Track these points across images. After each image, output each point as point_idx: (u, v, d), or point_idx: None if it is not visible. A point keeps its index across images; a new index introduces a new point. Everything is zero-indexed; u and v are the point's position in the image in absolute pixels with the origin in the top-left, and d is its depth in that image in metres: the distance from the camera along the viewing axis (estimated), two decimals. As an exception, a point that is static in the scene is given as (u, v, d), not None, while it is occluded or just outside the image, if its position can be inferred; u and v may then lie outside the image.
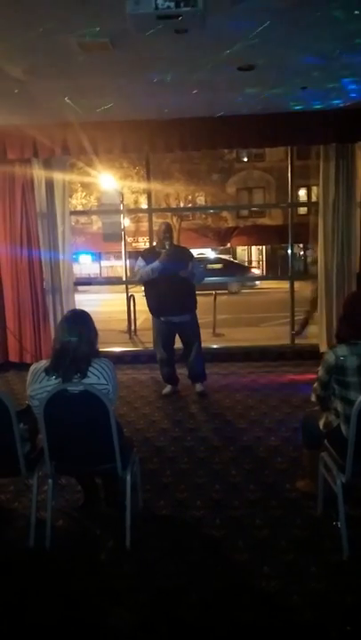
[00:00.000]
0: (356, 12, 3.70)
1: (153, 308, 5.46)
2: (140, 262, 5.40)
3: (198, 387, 5.65)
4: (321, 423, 3.04)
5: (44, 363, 2.83)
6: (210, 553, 2.81)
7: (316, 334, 7.12)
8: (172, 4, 2.36)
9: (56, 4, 3.44)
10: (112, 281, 22.78)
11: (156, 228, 6.29)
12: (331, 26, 3.89)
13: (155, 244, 5.42)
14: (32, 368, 2.86)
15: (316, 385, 2.98)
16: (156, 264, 5.18)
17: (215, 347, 7.57)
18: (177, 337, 5.57)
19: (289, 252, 8.21)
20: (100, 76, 4.78)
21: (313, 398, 3.05)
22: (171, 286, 5.16)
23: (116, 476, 2.93)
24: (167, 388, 5.72)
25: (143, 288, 5.60)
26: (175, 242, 5.66)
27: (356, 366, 2.75)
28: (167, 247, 5.23)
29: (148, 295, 5.50)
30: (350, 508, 2.88)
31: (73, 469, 3.11)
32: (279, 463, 3.87)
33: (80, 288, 12.87)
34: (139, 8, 2.41)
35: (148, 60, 4.39)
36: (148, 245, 7.72)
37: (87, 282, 20.53)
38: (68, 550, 2.89)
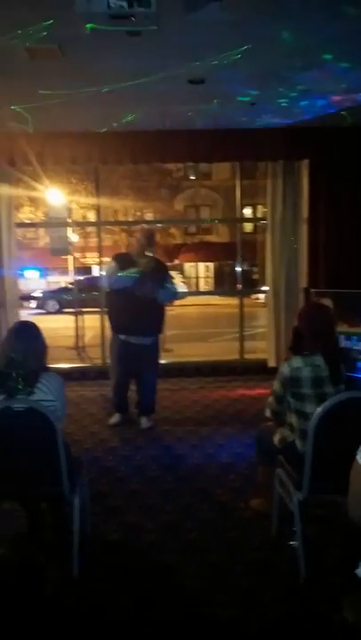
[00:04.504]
0: (303, 31, 3.76)
1: (115, 323, 4.92)
2: (113, 267, 4.79)
3: (145, 422, 5.01)
4: (276, 439, 2.97)
5: None
6: (163, 581, 2.65)
7: (265, 349, 7.14)
8: (125, 4, 2.28)
9: (2, 4, 3.30)
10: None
11: (107, 242, 6.05)
12: (279, 43, 3.93)
13: (132, 250, 4.90)
14: None
15: (270, 399, 2.92)
16: (134, 271, 4.63)
17: (165, 362, 7.45)
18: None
19: (237, 268, 8.23)
20: (49, 84, 4.65)
21: (267, 413, 2.98)
22: (140, 301, 4.61)
23: (63, 499, 2.75)
24: (115, 417, 5.10)
25: (107, 298, 5.04)
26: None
27: (311, 377, 2.71)
28: (150, 254, 4.73)
29: (111, 308, 4.99)
30: (306, 526, 2.80)
31: (17, 492, 2.89)
32: (232, 481, 3.77)
33: (25, 303, 12.53)
34: (90, 7, 2.32)
35: (98, 69, 4.30)
36: (97, 260, 7.52)
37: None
38: (10, 581, 2.67)
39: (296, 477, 2.67)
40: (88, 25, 2.76)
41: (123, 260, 4.83)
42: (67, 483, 2.63)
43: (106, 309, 5.07)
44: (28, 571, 2.76)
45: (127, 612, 2.40)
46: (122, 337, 4.85)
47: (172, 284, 5.09)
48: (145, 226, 6.71)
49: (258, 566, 2.73)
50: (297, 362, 2.76)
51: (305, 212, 6.63)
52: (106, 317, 5.57)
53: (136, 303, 4.63)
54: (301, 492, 2.60)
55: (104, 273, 5.02)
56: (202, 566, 2.74)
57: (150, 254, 4.84)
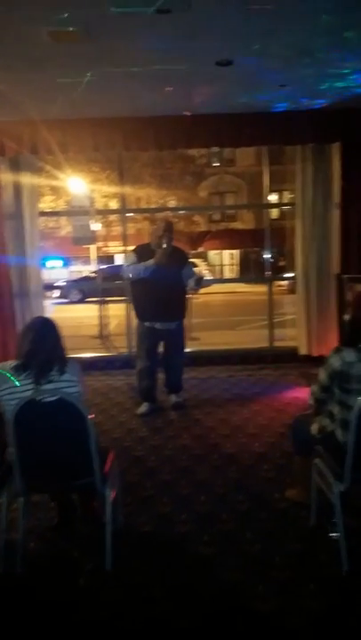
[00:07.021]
0: (343, 6, 3.58)
1: (139, 311, 5.04)
2: (132, 258, 4.97)
3: (174, 398, 5.19)
4: (313, 428, 2.86)
5: (10, 363, 2.60)
6: (199, 574, 2.58)
7: (295, 336, 7.00)
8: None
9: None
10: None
11: (130, 230, 5.97)
12: (315, 20, 3.76)
13: (151, 241, 4.97)
14: None
15: (315, 388, 2.79)
16: (150, 262, 4.76)
17: (192, 350, 7.37)
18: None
19: (265, 255, 8.07)
20: (72, 69, 4.55)
21: (311, 401, 2.87)
22: (161, 290, 4.74)
23: (94, 491, 2.70)
24: (143, 407, 5.08)
25: (130, 288, 5.16)
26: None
27: None
28: (165, 246, 4.77)
29: (135, 296, 5.09)
30: (347, 517, 2.70)
31: (47, 486, 2.85)
32: (266, 471, 3.67)
33: (48, 293, 12.60)
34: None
35: (122, 51, 4.18)
36: (120, 249, 7.46)
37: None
38: (43, 576, 2.63)
39: (336, 468, 2.57)
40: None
41: (142, 251, 4.96)
42: (98, 474, 2.58)
43: (130, 298, 5.21)
44: (61, 564, 2.72)
45: (162, 606, 2.34)
46: (147, 324, 4.97)
47: (192, 270, 5.17)
48: (169, 214, 6.64)
49: (298, 558, 2.65)
50: (350, 356, 2.57)
51: (336, 196, 6.43)
52: (130, 306, 5.75)
53: (158, 290, 4.75)
54: (343, 482, 2.50)
55: (123, 263, 5.18)
56: (239, 558, 2.66)
57: (168, 244, 4.82)
